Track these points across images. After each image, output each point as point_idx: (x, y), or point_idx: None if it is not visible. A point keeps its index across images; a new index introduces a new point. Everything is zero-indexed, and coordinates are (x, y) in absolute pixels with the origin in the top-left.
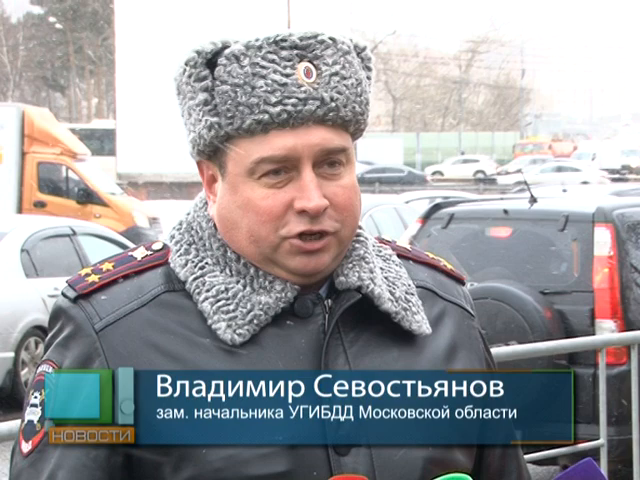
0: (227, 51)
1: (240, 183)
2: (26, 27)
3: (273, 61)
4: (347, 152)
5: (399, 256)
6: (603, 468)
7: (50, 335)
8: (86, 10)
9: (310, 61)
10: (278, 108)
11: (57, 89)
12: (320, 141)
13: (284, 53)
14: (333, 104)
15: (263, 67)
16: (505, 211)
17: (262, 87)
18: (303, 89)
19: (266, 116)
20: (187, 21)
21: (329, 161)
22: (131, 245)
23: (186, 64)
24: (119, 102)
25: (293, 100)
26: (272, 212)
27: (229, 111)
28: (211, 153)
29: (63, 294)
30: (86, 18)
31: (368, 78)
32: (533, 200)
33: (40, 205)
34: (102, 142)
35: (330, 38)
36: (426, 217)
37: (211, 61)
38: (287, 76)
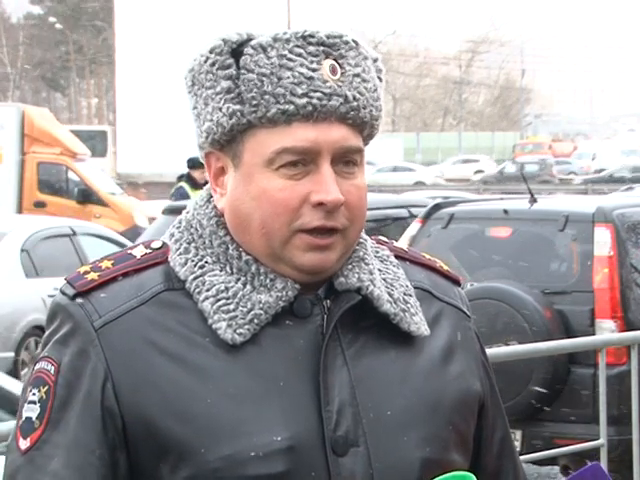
0: (254, 42)
1: (256, 173)
2: (26, 27)
3: (300, 55)
4: (362, 153)
5: (396, 257)
6: (603, 468)
7: (48, 332)
8: (86, 10)
9: (335, 59)
10: (304, 100)
11: (57, 89)
12: (340, 138)
13: (311, 48)
14: (355, 103)
15: (290, 59)
16: (505, 211)
17: (289, 78)
18: (328, 84)
19: (291, 107)
20: (187, 21)
21: (345, 160)
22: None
23: (210, 52)
24: (119, 102)
25: (319, 94)
26: (288, 204)
27: (254, 99)
28: (226, 143)
29: (62, 291)
30: (86, 18)
31: (380, 88)
32: (533, 200)
33: (40, 205)
34: None
35: (353, 41)
36: (426, 217)
37: (236, 51)
38: (313, 70)
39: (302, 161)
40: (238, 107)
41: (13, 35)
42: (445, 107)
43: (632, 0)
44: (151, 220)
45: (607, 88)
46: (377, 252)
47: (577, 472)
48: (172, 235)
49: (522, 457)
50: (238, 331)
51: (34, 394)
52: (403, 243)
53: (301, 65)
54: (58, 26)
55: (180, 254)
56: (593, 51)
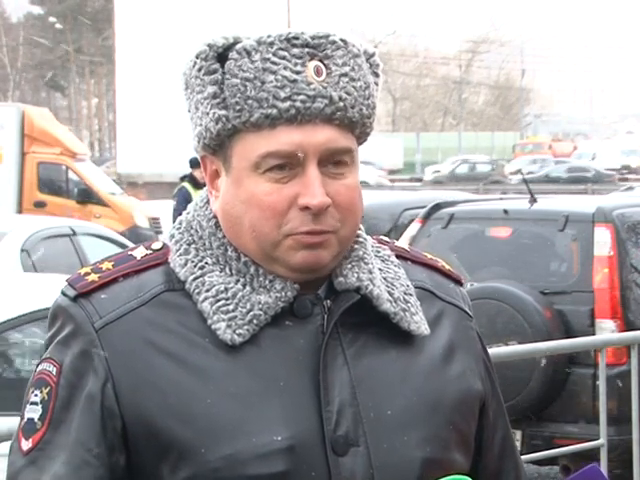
0: (238, 46)
1: (244, 177)
2: (26, 27)
3: (284, 58)
4: (352, 153)
5: (397, 257)
6: (603, 468)
7: (50, 334)
8: (86, 10)
9: (320, 60)
10: (287, 104)
11: (57, 89)
12: (326, 140)
13: (295, 50)
14: (341, 103)
15: (274, 63)
16: (505, 211)
17: (272, 82)
18: (312, 87)
19: (274, 111)
20: (187, 21)
21: (334, 161)
22: (131, 245)
23: (197, 57)
24: (119, 102)
25: (302, 97)
26: (275, 208)
27: (238, 104)
28: (216, 147)
29: (63, 293)
30: (86, 18)
31: (376, 84)
32: (533, 200)
33: (40, 205)
34: None
35: (341, 40)
36: (426, 217)
37: (222, 55)
38: (297, 73)
39: (288, 164)
40: (223, 112)
41: (13, 35)
42: (445, 107)
43: (632, 0)
44: (151, 220)
45: (607, 88)
46: (378, 252)
47: (575, 474)
48: (172, 236)
49: (522, 457)
50: (237, 332)
51: (36, 395)
52: (403, 243)
53: (285, 68)
54: (58, 26)
55: (180, 255)
56: (593, 51)
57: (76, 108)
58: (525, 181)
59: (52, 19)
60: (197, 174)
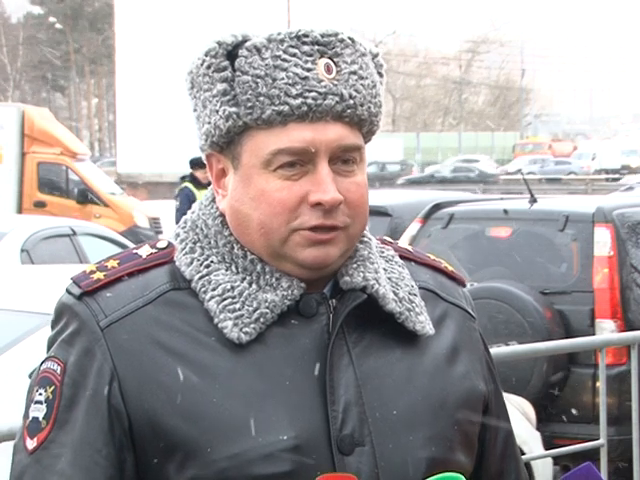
0: (248, 43)
1: (255, 174)
2: (26, 27)
3: (294, 55)
4: (361, 151)
5: (401, 257)
6: (603, 468)
7: (54, 332)
8: (86, 10)
9: (330, 58)
10: (299, 100)
11: (57, 89)
12: (337, 137)
13: (305, 48)
14: (351, 101)
15: (284, 60)
16: (505, 211)
17: (283, 79)
18: (323, 84)
19: (286, 107)
20: (187, 21)
21: (344, 158)
22: (131, 245)
23: (206, 54)
24: (119, 102)
25: (313, 94)
26: (286, 204)
27: (249, 101)
28: (224, 145)
29: (68, 291)
30: (86, 18)
31: (380, 83)
32: (533, 200)
33: (40, 205)
34: None
35: (349, 38)
36: (426, 217)
37: (231, 53)
38: (308, 70)
39: (299, 161)
40: (234, 109)
41: (13, 35)
42: (445, 107)
43: (632, 0)
44: (151, 220)
45: (607, 88)
46: (382, 252)
47: (570, 472)
48: (178, 235)
49: (522, 457)
50: (244, 330)
51: (40, 394)
52: (403, 243)
53: (295, 65)
54: (58, 26)
55: (186, 254)
56: (593, 51)
57: (76, 108)
58: (525, 181)
59: (52, 19)
60: (199, 174)
